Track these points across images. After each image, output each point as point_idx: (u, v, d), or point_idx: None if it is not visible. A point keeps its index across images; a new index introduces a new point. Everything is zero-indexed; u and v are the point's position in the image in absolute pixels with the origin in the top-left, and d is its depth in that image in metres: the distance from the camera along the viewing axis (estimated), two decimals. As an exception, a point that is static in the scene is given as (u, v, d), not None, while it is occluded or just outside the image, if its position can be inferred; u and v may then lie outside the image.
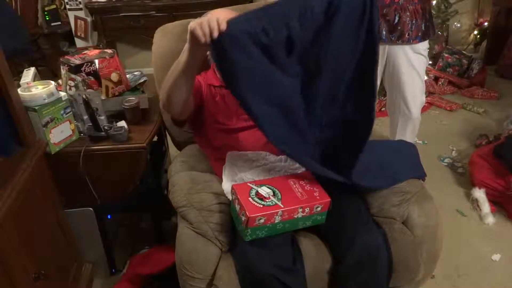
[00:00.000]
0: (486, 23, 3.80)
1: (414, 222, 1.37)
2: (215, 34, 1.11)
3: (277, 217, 1.22)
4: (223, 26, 1.11)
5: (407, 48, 1.92)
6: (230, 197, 1.33)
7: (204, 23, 1.11)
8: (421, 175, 1.49)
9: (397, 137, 2.14)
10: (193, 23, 1.12)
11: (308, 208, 1.25)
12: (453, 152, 2.67)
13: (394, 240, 1.32)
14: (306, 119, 1.34)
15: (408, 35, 1.87)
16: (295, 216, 1.25)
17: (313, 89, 1.30)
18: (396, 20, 1.85)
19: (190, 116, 1.52)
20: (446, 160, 2.57)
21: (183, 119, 1.53)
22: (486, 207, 2.12)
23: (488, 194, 2.16)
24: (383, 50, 1.94)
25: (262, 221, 1.20)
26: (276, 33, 1.19)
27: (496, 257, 1.89)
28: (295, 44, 1.23)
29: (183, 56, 1.23)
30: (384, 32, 1.87)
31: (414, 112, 2.06)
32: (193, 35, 1.13)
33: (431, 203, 1.41)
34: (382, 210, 1.39)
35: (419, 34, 1.89)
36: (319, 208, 1.27)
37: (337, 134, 1.35)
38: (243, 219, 1.21)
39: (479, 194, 2.16)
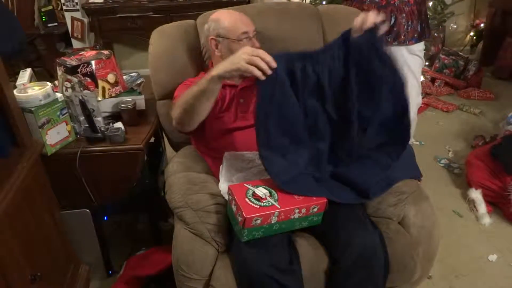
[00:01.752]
0: (482, 25, 3.82)
1: (410, 222, 1.37)
2: (270, 71, 1.18)
3: (273, 217, 1.22)
4: (273, 63, 1.18)
5: (403, 49, 1.92)
6: (226, 197, 1.33)
7: (257, 60, 1.16)
8: (417, 176, 1.50)
9: (394, 138, 2.15)
10: (241, 60, 1.17)
11: (304, 209, 1.26)
12: (450, 153, 2.68)
13: (390, 240, 1.32)
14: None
15: (404, 36, 1.88)
16: (292, 217, 1.25)
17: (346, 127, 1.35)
18: (392, 21, 1.86)
19: None
20: (442, 161, 2.58)
21: (192, 130, 1.52)
22: (482, 207, 2.13)
23: (484, 195, 2.17)
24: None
25: (258, 221, 1.20)
26: (310, 73, 1.28)
27: (492, 257, 1.90)
28: (324, 89, 1.31)
29: (210, 84, 1.26)
30: (380, 33, 1.88)
31: (410, 113, 2.06)
32: (244, 71, 1.18)
33: (427, 203, 1.42)
34: (378, 210, 1.39)
35: (415, 35, 1.90)
36: (315, 209, 1.27)
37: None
38: (239, 219, 1.21)
39: (476, 195, 2.17)
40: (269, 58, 1.18)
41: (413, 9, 1.86)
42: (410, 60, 1.95)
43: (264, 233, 1.24)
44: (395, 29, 1.87)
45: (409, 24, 1.87)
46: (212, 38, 1.52)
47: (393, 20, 1.85)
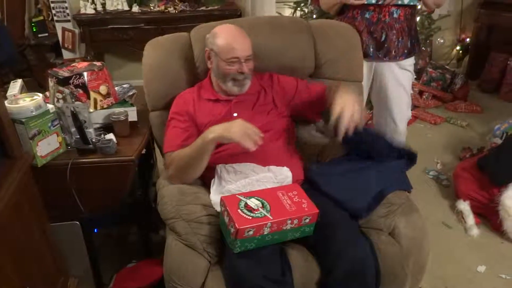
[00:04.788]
0: (468, 39, 3.91)
1: (401, 233, 1.39)
2: (260, 142, 1.33)
3: (266, 228, 1.22)
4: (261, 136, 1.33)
5: (393, 64, 1.96)
6: (218, 208, 1.34)
7: (249, 133, 1.31)
8: (407, 187, 1.52)
9: (384, 150, 2.17)
10: (236, 133, 1.31)
11: (296, 220, 1.26)
12: (438, 164, 2.71)
13: (381, 251, 1.33)
14: None
15: (395, 52, 1.91)
16: (284, 228, 1.26)
17: None
18: (383, 38, 1.89)
19: None
20: (431, 173, 2.61)
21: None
22: (470, 219, 2.15)
23: (472, 206, 2.20)
24: (370, 67, 1.98)
25: (251, 233, 1.20)
26: None
27: (481, 268, 1.92)
28: None
29: (207, 145, 1.37)
30: (371, 50, 1.91)
31: (400, 127, 2.09)
32: (237, 142, 1.31)
33: (417, 214, 1.43)
34: (369, 221, 1.40)
35: (405, 51, 1.93)
36: (307, 220, 1.28)
37: None
38: (232, 230, 1.21)
39: (464, 206, 2.20)
40: (258, 135, 1.31)
41: (404, 26, 1.89)
42: (401, 75, 1.98)
43: (257, 244, 1.25)
44: (386, 45, 1.90)
45: (400, 41, 1.90)
46: (206, 50, 1.56)
47: (384, 36, 1.89)
